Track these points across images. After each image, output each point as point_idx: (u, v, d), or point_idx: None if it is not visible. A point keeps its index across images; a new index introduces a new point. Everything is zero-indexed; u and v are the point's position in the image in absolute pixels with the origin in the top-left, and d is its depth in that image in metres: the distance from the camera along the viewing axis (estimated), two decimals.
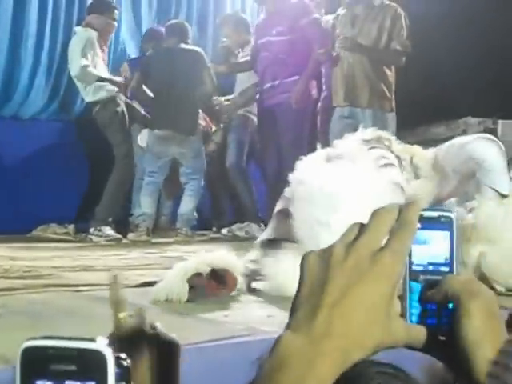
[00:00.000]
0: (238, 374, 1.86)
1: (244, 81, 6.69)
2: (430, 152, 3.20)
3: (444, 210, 0.75)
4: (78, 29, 6.60)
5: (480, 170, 3.05)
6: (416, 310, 0.73)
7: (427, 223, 0.73)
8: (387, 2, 5.61)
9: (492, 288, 2.52)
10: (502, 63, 6.90)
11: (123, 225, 6.59)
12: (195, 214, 6.75)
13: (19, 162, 7.01)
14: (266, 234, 3.14)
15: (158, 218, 7.00)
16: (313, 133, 6.10)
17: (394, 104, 5.59)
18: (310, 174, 2.89)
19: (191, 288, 2.63)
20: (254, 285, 2.95)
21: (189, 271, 2.66)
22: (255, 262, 2.91)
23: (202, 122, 6.90)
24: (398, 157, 3.03)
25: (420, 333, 0.71)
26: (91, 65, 6.34)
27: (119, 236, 6.28)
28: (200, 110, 6.72)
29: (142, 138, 6.81)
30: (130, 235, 6.34)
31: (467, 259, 2.78)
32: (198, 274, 2.68)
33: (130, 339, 0.89)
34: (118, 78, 6.64)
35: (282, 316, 2.42)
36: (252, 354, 1.98)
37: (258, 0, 6.63)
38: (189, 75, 6.47)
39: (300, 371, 0.65)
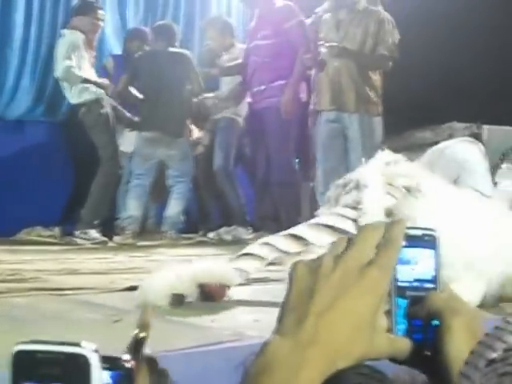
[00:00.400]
0: (225, 380, 1.85)
1: (228, 82, 6.69)
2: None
3: (428, 229, 0.77)
4: (64, 31, 6.58)
5: (463, 172, 3.07)
6: (402, 325, 0.76)
7: (412, 241, 0.76)
8: (371, 7, 5.61)
9: None
10: (488, 68, 6.93)
11: (109, 228, 6.56)
12: (182, 217, 6.74)
13: (4, 164, 6.95)
14: None
15: (145, 221, 6.97)
16: (303, 136, 6.08)
17: (380, 108, 5.59)
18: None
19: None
20: None
21: (195, 278, 2.62)
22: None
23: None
24: None
25: (403, 345, 0.73)
26: (76, 66, 6.31)
27: (105, 239, 6.26)
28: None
29: (125, 142, 6.79)
30: (116, 238, 6.31)
31: None
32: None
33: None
34: (103, 80, 6.62)
35: (269, 321, 2.42)
36: (239, 360, 1.96)
37: (248, 5, 6.63)
38: (177, 78, 6.47)
39: (285, 376, 0.67)
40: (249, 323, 2.30)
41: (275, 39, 5.90)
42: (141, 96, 6.58)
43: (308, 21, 5.88)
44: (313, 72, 5.92)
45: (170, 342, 1.80)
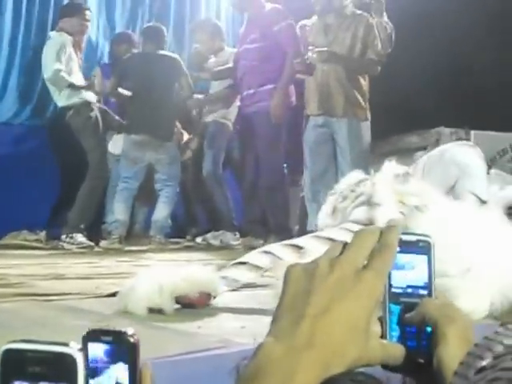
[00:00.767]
0: None
1: (218, 86, 6.68)
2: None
3: (422, 235, 0.77)
4: (52, 33, 6.56)
5: (462, 176, 3.07)
6: (396, 332, 0.75)
7: (406, 247, 0.75)
8: (359, 12, 5.61)
9: None
10: (476, 74, 6.96)
11: (95, 232, 6.53)
12: (169, 221, 6.72)
13: None
14: None
15: (132, 225, 6.94)
16: (292, 140, 6.06)
17: (368, 113, 5.58)
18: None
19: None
20: None
21: (175, 290, 2.60)
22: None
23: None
24: None
25: (396, 352, 0.73)
26: (66, 69, 6.29)
27: (91, 243, 6.23)
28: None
29: (114, 144, 6.77)
30: (103, 243, 6.29)
31: None
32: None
33: None
34: (90, 86, 6.59)
35: (256, 327, 2.41)
36: (227, 367, 1.95)
37: (238, 8, 6.62)
38: (166, 81, 6.45)
39: (280, 380, 0.66)
40: (236, 330, 2.29)
41: (264, 42, 5.89)
42: (129, 94, 6.54)
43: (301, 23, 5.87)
44: (304, 76, 5.91)
45: (156, 349, 1.79)
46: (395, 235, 0.73)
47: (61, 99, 6.43)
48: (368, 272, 0.70)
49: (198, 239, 6.80)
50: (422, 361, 0.74)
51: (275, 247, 2.84)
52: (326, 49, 5.43)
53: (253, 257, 2.81)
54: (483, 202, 3.04)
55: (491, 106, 6.59)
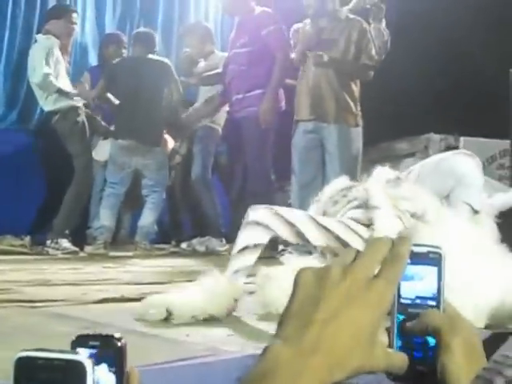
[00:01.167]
0: None
1: (207, 90, 6.66)
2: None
3: (433, 246, 0.77)
4: (39, 36, 6.50)
5: (458, 186, 3.07)
6: (402, 342, 0.76)
7: (416, 258, 0.76)
8: (352, 16, 5.58)
9: None
10: (465, 80, 6.99)
11: (80, 237, 6.50)
12: (155, 227, 6.69)
13: None
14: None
15: (117, 230, 6.91)
16: (281, 146, 6.02)
17: (359, 119, 5.52)
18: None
19: None
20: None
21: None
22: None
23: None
24: None
25: (400, 360, 0.74)
26: (54, 73, 6.26)
27: (76, 249, 6.20)
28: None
29: (98, 151, 6.75)
30: (88, 248, 6.25)
31: None
32: None
33: None
34: (78, 92, 6.57)
35: (242, 335, 2.41)
36: (215, 375, 1.95)
37: (229, 12, 6.61)
38: (155, 86, 6.43)
39: (286, 382, 0.67)
40: (223, 338, 2.29)
41: (253, 47, 5.85)
42: (117, 102, 6.53)
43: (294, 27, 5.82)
44: (293, 81, 5.88)
45: (144, 356, 1.79)
46: (407, 247, 0.74)
47: (47, 104, 6.40)
48: (379, 281, 0.71)
49: (184, 245, 6.78)
50: (425, 370, 0.75)
51: (268, 219, 2.77)
52: (321, 53, 5.37)
53: (248, 237, 2.75)
54: (476, 212, 3.05)
55: (480, 113, 6.62)
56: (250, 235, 2.75)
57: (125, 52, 7.02)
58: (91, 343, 0.70)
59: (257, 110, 5.80)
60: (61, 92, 6.29)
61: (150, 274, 4.43)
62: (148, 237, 6.50)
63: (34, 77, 6.35)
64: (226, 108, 6.47)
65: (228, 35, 6.79)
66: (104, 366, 0.70)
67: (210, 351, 2.02)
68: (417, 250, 0.76)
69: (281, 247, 5.87)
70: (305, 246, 5.24)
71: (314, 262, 2.84)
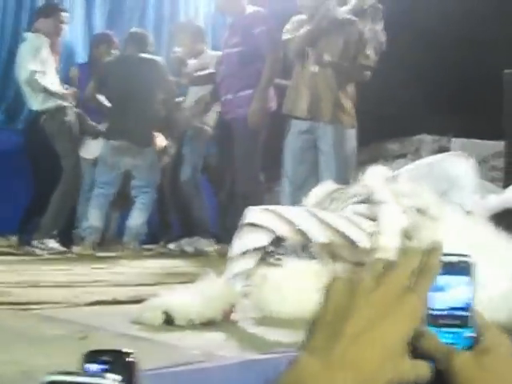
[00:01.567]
0: None
1: (197, 90, 6.63)
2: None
3: (463, 255, 0.76)
4: (28, 35, 6.45)
5: (452, 188, 3.05)
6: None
7: (447, 268, 0.74)
8: (348, 17, 5.53)
9: None
10: (458, 82, 6.99)
11: (67, 237, 6.45)
12: (145, 228, 6.63)
13: None
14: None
15: (105, 231, 6.86)
16: (270, 147, 5.98)
17: (354, 120, 5.46)
18: None
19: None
20: None
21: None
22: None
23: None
24: None
25: (425, 369, 0.71)
26: (42, 71, 6.20)
27: (64, 249, 6.14)
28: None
29: (86, 149, 6.70)
30: (75, 248, 6.19)
31: None
32: None
33: None
34: (66, 91, 6.51)
35: (238, 340, 2.38)
36: (211, 382, 1.91)
37: (221, 12, 6.57)
38: (147, 85, 6.37)
39: None
40: (217, 342, 2.26)
41: (244, 47, 5.82)
42: (109, 104, 6.48)
43: (287, 27, 5.74)
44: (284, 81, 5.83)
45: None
46: (438, 258, 0.72)
47: (35, 103, 6.34)
48: (411, 294, 0.70)
49: (171, 245, 6.74)
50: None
51: (266, 220, 2.72)
52: (322, 52, 5.30)
53: (247, 240, 2.71)
54: (467, 213, 3.03)
55: (474, 114, 6.62)
56: (248, 238, 2.71)
57: (115, 52, 6.97)
58: (102, 358, 0.69)
59: (246, 111, 5.76)
60: (47, 91, 6.23)
61: (139, 275, 4.40)
62: (137, 238, 6.45)
63: (21, 74, 6.30)
64: (217, 108, 6.43)
65: (219, 34, 6.77)
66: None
67: (206, 357, 1.99)
68: (447, 259, 0.74)
69: (270, 249, 5.88)
70: (295, 250, 5.23)
71: (312, 265, 2.81)
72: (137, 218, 6.41)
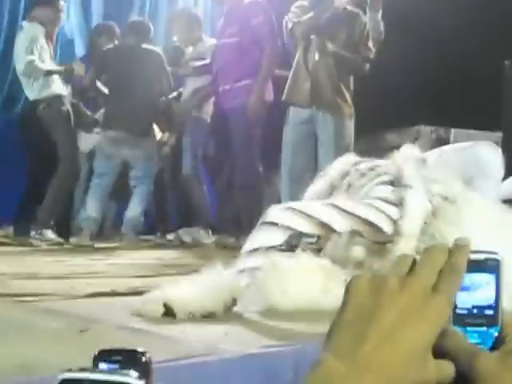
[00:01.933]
0: None
1: (195, 81, 6.59)
2: None
3: (490, 253, 0.73)
4: (24, 24, 6.43)
5: (480, 175, 3.02)
6: None
7: (473, 266, 0.72)
8: (350, 8, 5.51)
9: None
10: (456, 73, 6.96)
11: (64, 228, 6.42)
12: (142, 218, 6.61)
13: None
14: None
15: (102, 221, 6.83)
16: (268, 138, 5.95)
17: (353, 111, 5.45)
18: None
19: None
20: None
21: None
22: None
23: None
24: None
25: (450, 369, 0.70)
26: (39, 60, 6.16)
27: (61, 240, 6.12)
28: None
29: (82, 142, 6.67)
30: (73, 239, 6.17)
31: None
32: None
33: None
34: (76, 65, 6.48)
35: (239, 333, 2.35)
36: (213, 375, 1.89)
37: (218, 0, 6.53)
38: (146, 75, 6.34)
39: None
40: (219, 335, 2.23)
41: (241, 37, 5.78)
42: (105, 91, 6.44)
43: (289, 16, 5.68)
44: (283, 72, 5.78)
45: None
46: (465, 256, 0.70)
47: (32, 92, 6.32)
48: (438, 296, 0.68)
49: (170, 236, 6.73)
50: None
51: (286, 218, 2.67)
52: (325, 40, 5.26)
53: (262, 238, 2.67)
54: None
55: (472, 105, 6.60)
56: (264, 236, 2.68)
57: (115, 42, 6.93)
58: (114, 358, 0.67)
59: (245, 101, 5.73)
60: (50, 73, 6.20)
61: (137, 266, 4.37)
62: (135, 228, 6.44)
63: (19, 64, 6.27)
64: (213, 99, 6.40)
65: (217, 22, 6.71)
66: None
67: (208, 350, 1.96)
68: (474, 257, 0.72)
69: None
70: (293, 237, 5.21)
71: (319, 260, 2.77)
72: (135, 209, 6.40)
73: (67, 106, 6.37)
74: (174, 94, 6.74)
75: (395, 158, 3.07)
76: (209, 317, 2.45)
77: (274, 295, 2.56)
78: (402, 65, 6.64)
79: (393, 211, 2.73)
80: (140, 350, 0.68)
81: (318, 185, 3.10)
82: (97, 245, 6.07)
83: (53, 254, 5.07)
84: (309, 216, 2.71)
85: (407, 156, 3.06)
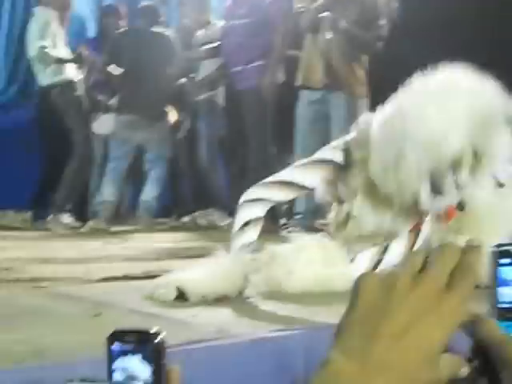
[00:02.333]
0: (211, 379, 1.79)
1: (207, 64, 6.56)
2: None
3: None
4: (36, 9, 6.42)
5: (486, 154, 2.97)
6: None
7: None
8: None
9: None
10: (472, 50, 6.88)
11: (81, 212, 6.46)
12: (157, 201, 6.62)
13: None
14: None
15: (118, 205, 6.85)
16: (283, 118, 5.91)
17: (366, 90, 5.37)
18: None
19: None
20: None
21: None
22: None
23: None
24: None
25: (460, 366, 0.69)
26: (51, 45, 6.17)
27: (78, 224, 6.15)
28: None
29: (99, 124, 6.68)
30: (90, 223, 6.19)
31: None
32: None
33: None
34: (77, 59, 6.48)
35: (250, 318, 2.36)
36: (225, 358, 1.90)
37: None
38: (158, 59, 6.32)
39: None
40: (231, 319, 2.24)
41: (253, 17, 5.74)
42: (120, 71, 6.44)
43: None
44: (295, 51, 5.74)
45: None
46: (478, 257, 0.68)
47: (45, 78, 6.33)
48: (452, 295, 0.66)
49: (185, 219, 6.73)
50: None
51: (262, 192, 2.75)
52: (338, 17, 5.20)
53: (246, 214, 2.72)
54: (500, 186, 2.95)
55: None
56: (247, 212, 2.73)
57: (123, 23, 6.92)
58: (127, 339, 0.67)
59: (256, 82, 5.71)
60: (60, 61, 6.21)
61: (152, 249, 4.39)
62: (150, 212, 6.46)
63: (31, 50, 6.28)
64: (225, 81, 6.38)
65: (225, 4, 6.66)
66: (138, 357, 0.67)
67: (220, 333, 1.97)
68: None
69: (283, 221, 5.86)
70: (305, 219, 5.19)
71: (317, 238, 2.80)
72: (150, 192, 6.41)
73: (80, 91, 6.38)
74: (186, 77, 6.73)
75: None
76: (221, 300, 2.46)
77: (280, 280, 2.57)
78: (416, 43, 6.57)
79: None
80: (153, 330, 0.68)
81: None
82: (112, 228, 6.10)
83: (69, 239, 5.12)
84: (280, 183, 2.77)
85: None
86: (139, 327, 0.68)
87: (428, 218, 2.73)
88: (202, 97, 6.59)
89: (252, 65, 5.77)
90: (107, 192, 6.31)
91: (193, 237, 5.38)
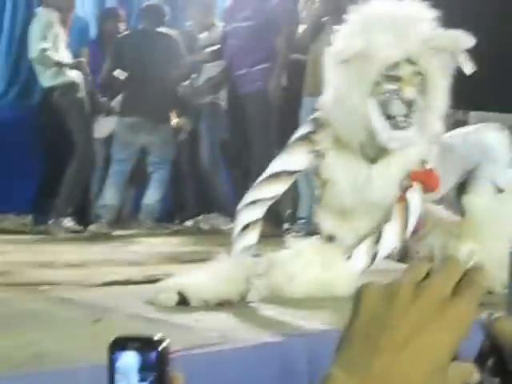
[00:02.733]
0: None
1: (210, 67, 6.54)
2: None
3: None
4: (38, 10, 6.39)
5: (485, 161, 2.95)
6: None
7: None
8: None
9: None
10: (476, 53, 6.85)
11: (83, 216, 6.42)
12: (159, 205, 6.57)
13: None
14: None
15: (120, 208, 6.81)
16: (287, 122, 5.88)
17: None
18: None
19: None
20: None
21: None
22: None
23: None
24: None
25: (470, 372, 0.64)
26: (53, 47, 6.14)
27: (80, 228, 6.12)
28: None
29: (99, 127, 6.65)
30: (91, 227, 6.15)
31: None
32: None
33: None
34: (78, 61, 6.45)
35: (253, 321, 2.34)
36: (227, 363, 1.87)
37: None
38: (162, 61, 6.28)
39: None
40: (235, 323, 2.22)
41: (256, 20, 5.69)
42: (124, 75, 6.41)
43: None
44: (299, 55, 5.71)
45: None
46: (483, 277, 0.65)
47: (46, 79, 6.29)
48: (457, 300, 0.63)
49: (188, 223, 6.70)
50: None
51: (259, 193, 2.82)
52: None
53: (245, 217, 2.77)
54: (500, 191, 2.94)
55: (491, 87, 6.50)
56: (245, 215, 2.77)
57: (123, 26, 6.89)
58: (129, 346, 0.64)
59: (260, 86, 5.68)
60: (60, 65, 6.18)
61: (155, 254, 4.35)
62: (152, 215, 6.41)
63: (32, 51, 6.25)
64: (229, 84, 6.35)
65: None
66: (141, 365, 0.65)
67: (223, 338, 1.95)
68: None
69: (286, 226, 5.84)
70: (308, 223, 5.17)
71: (313, 241, 2.82)
72: (153, 195, 6.37)
73: (82, 93, 6.35)
74: (190, 79, 6.70)
75: None
76: (223, 305, 2.44)
77: (281, 286, 2.57)
78: None
79: None
80: (156, 337, 0.65)
81: None
82: (114, 232, 6.07)
83: (71, 243, 5.09)
84: (270, 178, 2.85)
85: None
86: (142, 334, 0.66)
87: (413, 187, 2.77)
88: (205, 100, 6.56)
89: (257, 67, 5.73)
90: (109, 195, 6.27)
91: (196, 241, 5.35)
